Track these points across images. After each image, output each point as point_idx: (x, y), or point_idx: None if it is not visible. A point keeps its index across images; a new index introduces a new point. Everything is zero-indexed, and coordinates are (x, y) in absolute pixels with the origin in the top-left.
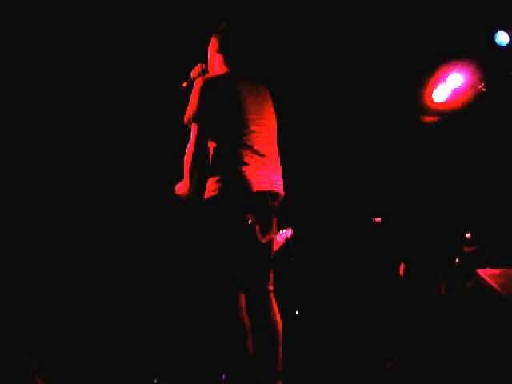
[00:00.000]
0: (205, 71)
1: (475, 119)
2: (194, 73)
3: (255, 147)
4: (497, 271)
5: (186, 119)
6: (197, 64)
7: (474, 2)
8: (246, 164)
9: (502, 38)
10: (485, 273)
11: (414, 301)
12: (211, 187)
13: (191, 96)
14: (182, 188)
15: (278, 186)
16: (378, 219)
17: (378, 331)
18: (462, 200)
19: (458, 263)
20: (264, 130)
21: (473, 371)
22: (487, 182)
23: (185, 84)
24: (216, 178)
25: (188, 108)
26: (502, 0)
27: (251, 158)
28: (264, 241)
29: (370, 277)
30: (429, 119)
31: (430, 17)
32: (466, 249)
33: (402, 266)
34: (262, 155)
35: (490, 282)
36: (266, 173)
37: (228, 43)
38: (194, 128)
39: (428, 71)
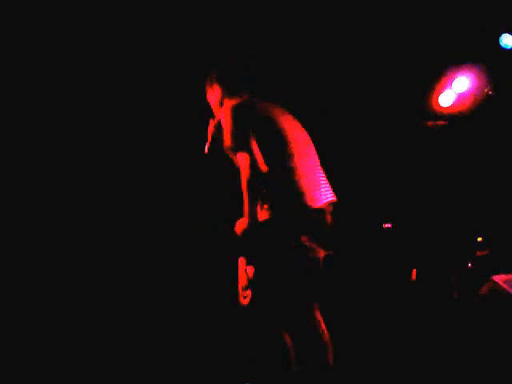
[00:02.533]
0: (220, 126)
1: (483, 123)
2: (210, 132)
3: (302, 160)
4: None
5: (228, 147)
6: (208, 124)
7: (479, 6)
8: (300, 177)
9: (506, 40)
10: (500, 279)
11: (427, 305)
12: (264, 209)
13: (224, 125)
14: (242, 225)
15: (332, 194)
16: (389, 225)
17: (391, 336)
18: (473, 204)
19: (470, 267)
20: (303, 140)
21: (485, 376)
22: (497, 185)
23: (207, 148)
24: (268, 202)
25: (225, 137)
26: (506, 3)
27: (302, 171)
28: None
29: (383, 282)
30: (436, 124)
31: (435, 21)
32: (478, 253)
33: (414, 272)
34: (310, 166)
35: (505, 287)
36: (321, 183)
37: (231, 77)
38: (241, 157)
39: (434, 76)
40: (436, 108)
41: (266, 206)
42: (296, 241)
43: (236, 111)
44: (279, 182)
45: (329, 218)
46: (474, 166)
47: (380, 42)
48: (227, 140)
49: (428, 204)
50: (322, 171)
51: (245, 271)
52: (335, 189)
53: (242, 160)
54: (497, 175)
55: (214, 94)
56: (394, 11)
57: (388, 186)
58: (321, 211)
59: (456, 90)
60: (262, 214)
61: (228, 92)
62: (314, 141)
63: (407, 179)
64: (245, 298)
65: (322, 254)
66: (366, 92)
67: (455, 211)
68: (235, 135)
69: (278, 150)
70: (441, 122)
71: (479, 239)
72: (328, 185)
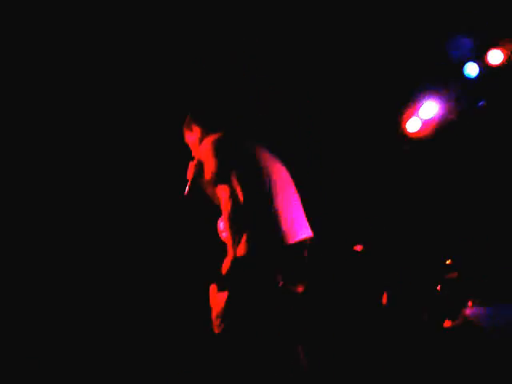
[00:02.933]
0: (200, 165)
1: (449, 148)
2: (189, 174)
3: (280, 195)
4: (483, 309)
5: (208, 181)
6: (187, 168)
7: (445, 34)
8: (276, 213)
9: (470, 70)
10: (470, 312)
11: (398, 328)
12: (243, 243)
13: (204, 159)
14: (226, 265)
15: (309, 230)
16: (359, 247)
17: (363, 360)
18: (442, 227)
19: (439, 290)
20: (282, 176)
21: None
22: (465, 207)
23: (187, 190)
24: (251, 233)
25: (206, 171)
26: (471, 31)
27: (278, 206)
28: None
29: (353, 306)
30: (406, 149)
31: (401, 49)
32: (447, 275)
33: (385, 295)
34: (287, 202)
35: (477, 320)
36: (297, 219)
37: (209, 115)
38: (221, 190)
39: (401, 103)
40: (404, 133)
41: (244, 237)
42: (271, 277)
43: (216, 145)
44: (256, 216)
45: (305, 252)
46: (443, 189)
47: (349, 67)
48: (207, 174)
49: (397, 226)
50: (300, 207)
51: (217, 299)
52: (306, 209)
53: (221, 193)
54: (465, 197)
55: (192, 134)
56: (362, 40)
57: (358, 206)
58: (296, 246)
59: (422, 116)
60: (240, 247)
61: (207, 130)
62: (289, 169)
63: (377, 202)
64: (218, 326)
65: (299, 289)
66: (337, 118)
67: (424, 234)
68: (215, 168)
69: (256, 184)
70: (408, 147)
71: (448, 262)
72: (305, 220)
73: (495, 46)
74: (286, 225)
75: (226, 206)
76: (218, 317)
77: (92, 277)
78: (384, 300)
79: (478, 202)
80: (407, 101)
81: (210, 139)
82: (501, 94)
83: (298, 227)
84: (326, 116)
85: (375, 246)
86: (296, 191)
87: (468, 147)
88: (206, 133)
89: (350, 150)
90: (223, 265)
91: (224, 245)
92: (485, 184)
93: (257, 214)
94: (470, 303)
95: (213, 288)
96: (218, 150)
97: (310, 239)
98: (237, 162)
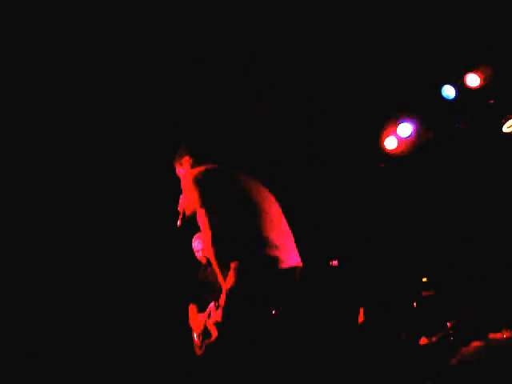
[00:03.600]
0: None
1: (425, 165)
2: (180, 206)
3: (271, 224)
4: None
5: (189, 210)
6: (177, 201)
7: (423, 57)
8: (266, 243)
9: (447, 91)
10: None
11: (375, 347)
12: (231, 275)
13: (186, 189)
14: (223, 297)
15: (298, 258)
16: (335, 262)
17: (340, 378)
18: (419, 244)
19: (415, 307)
20: (271, 207)
21: None
22: (442, 225)
23: (179, 222)
24: (238, 263)
25: (188, 201)
26: (448, 55)
27: (271, 233)
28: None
29: (329, 322)
30: (383, 165)
31: (382, 70)
32: (423, 293)
33: (361, 311)
34: (278, 232)
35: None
36: (287, 248)
37: (199, 148)
38: (202, 218)
39: (380, 122)
40: (383, 150)
41: (232, 267)
42: (263, 307)
43: (198, 175)
44: (242, 244)
45: (296, 279)
46: (420, 205)
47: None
48: (190, 203)
49: (374, 242)
50: (289, 234)
51: (197, 320)
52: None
53: (201, 222)
54: (441, 215)
55: (182, 167)
56: (348, 61)
57: (335, 222)
58: (287, 272)
59: (400, 134)
60: (229, 279)
61: (197, 162)
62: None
63: (355, 216)
64: (200, 348)
65: (289, 319)
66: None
67: (401, 251)
68: (197, 197)
69: (241, 212)
70: (385, 164)
71: (424, 279)
72: (295, 249)
73: (472, 70)
74: (275, 251)
75: (206, 235)
76: (199, 339)
77: (92, 281)
78: (361, 316)
79: (454, 218)
80: (386, 120)
81: (193, 171)
82: (476, 115)
83: (288, 253)
84: (311, 134)
85: (351, 261)
86: (282, 216)
87: (444, 166)
88: (194, 165)
89: (330, 164)
90: (222, 296)
91: (198, 263)
92: (460, 201)
93: (244, 242)
94: (448, 324)
95: (192, 309)
96: (199, 180)
97: (300, 268)
98: (220, 191)
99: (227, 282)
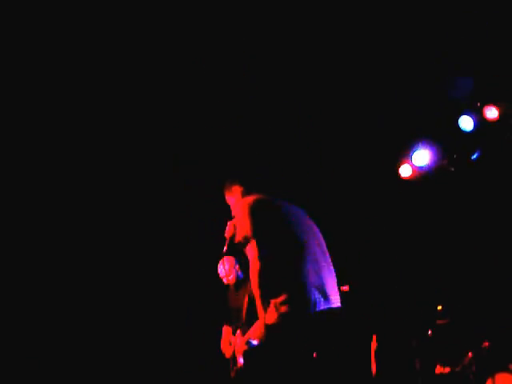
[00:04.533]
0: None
1: (443, 194)
2: (227, 232)
3: (315, 262)
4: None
5: (239, 238)
6: (226, 226)
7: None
8: (309, 283)
9: (464, 123)
10: None
11: (388, 375)
12: (272, 311)
13: (238, 218)
14: (257, 331)
15: (337, 300)
16: (346, 288)
17: None
18: (434, 273)
19: (430, 335)
20: (316, 242)
21: None
22: (458, 253)
23: (225, 248)
24: (280, 300)
25: (238, 229)
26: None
27: (314, 272)
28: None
29: (340, 349)
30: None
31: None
32: (438, 321)
33: (374, 338)
34: (321, 271)
35: None
36: (327, 287)
37: (249, 178)
38: (251, 248)
39: (396, 150)
40: (399, 177)
41: (272, 304)
42: (303, 349)
43: (251, 205)
44: (289, 283)
45: (331, 323)
46: (436, 234)
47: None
48: (240, 233)
49: (388, 270)
50: (332, 272)
51: (229, 343)
52: None
53: (251, 252)
54: (457, 244)
55: (232, 195)
56: (364, 88)
57: (348, 247)
58: (323, 315)
59: (415, 163)
60: (269, 315)
61: (247, 192)
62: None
63: (368, 242)
64: (231, 370)
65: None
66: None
67: (416, 279)
68: (248, 228)
69: (287, 248)
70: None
71: (439, 308)
72: (336, 289)
73: (490, 103)
74: (314, 293)
75: (254, 265)
76: (232, 359)
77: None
78: (373, 343)
79: (468, 248)
80: (402, 148)
81: (246, 200)
82: (495, 147)
83: (328, 293)
84: (326, 162)
85: (364, 288)
86: (328, 255)
87: (459, 196)
88: (244, 194)
89: (343, 189)
90: (255, 327)
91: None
92: (475, 232)
93: (288, 280)
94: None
95: (226, 330)
96: (253, 211)
97: (338, 309)
98: (271, 224)
99: (267, 317)
